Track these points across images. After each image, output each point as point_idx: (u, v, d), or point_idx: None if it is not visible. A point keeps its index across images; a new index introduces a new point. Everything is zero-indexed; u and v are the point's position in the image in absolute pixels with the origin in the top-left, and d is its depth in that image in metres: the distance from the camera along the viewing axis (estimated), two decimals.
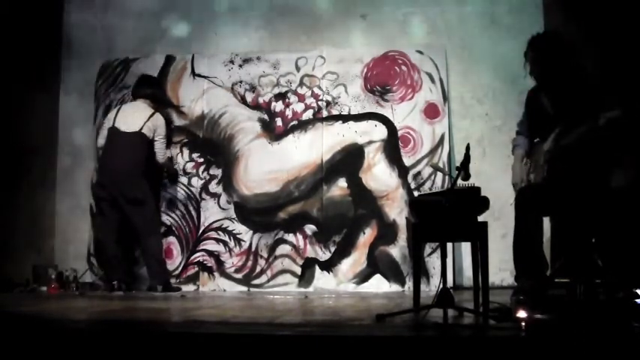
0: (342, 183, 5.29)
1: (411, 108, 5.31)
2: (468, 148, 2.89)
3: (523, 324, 2.50)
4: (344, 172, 5.30)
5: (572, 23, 4.61)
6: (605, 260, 3.12)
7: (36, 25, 5.63)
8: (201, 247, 5.40)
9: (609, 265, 3.11)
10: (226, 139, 5.51)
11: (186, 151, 5.56)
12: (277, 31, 5.74)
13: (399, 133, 5.29)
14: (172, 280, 5.25)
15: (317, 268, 5.20)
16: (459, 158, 3.47)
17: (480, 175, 3.87)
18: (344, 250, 5.19)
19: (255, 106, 5.53)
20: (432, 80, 5.34)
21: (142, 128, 5.09)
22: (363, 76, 5.44)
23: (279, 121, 5.47)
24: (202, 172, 5.50)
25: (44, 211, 5.73)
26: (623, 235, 3.17)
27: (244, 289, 5.24)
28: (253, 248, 5.32)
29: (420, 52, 5.40)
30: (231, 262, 5.33)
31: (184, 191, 5.50)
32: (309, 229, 5.27)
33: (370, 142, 5.31)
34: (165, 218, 5.44)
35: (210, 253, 5.37)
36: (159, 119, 5.20)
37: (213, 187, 5.47)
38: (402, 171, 5.23)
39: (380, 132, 5.31)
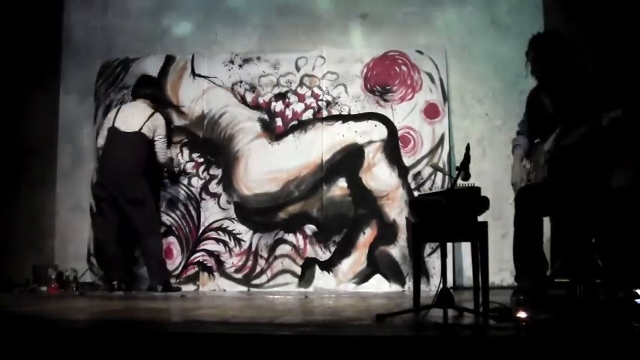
0: (342, 183, 5.29)
1: (411, 108, 5.31)
2: (468, 148, 2.89)
3: (523, 324, 2.50)
4: (344, 172, 5.30)
5: (572, 23, 4.61)
6: (605, 260, 3.13)
7: (36, 25, 5.62)
8: (201, 247, 5.39)
9: (609, 265, 3.11)
10: (226, 139, 5.51)
11: (186, 151, 5.56)
12: (277, 31, 5.73)
13: (399, 133, 5.29)
14: (172, 280, 5.24)
15: (317, 268, 5.20)
16: (459, 158, 3.47)
17: (480, 175, 3.88)
18: (344, 250, 5.19)
19: (255, 106, 5.53)
20: (432, 80, 5.34)
21: (141, 128, 5.09)
22: (363, 76, 5.44)
23: (279, 121, 5.47)
24: (202, 172, 5.51)
25: (44, 211, 5.73)
26: (623, 235, 3.17)
27: (244, 289, 5.24)
28: (253, 248, 5.32)
29: (420, 52, 5.41)
30: (231, 262, 5.33)
31: (184, 191, 5.50)
32: (309, 229, 5.27)
33: (370, 142, 5.31)
34: (165, 218, 5.44)
35: (210, 253, 5.36)
36: (159, 119, 5.20)
37: (213, 187, 5.46)
38: (402, 171, 5.23)
39: (380, 132, 5.32)
